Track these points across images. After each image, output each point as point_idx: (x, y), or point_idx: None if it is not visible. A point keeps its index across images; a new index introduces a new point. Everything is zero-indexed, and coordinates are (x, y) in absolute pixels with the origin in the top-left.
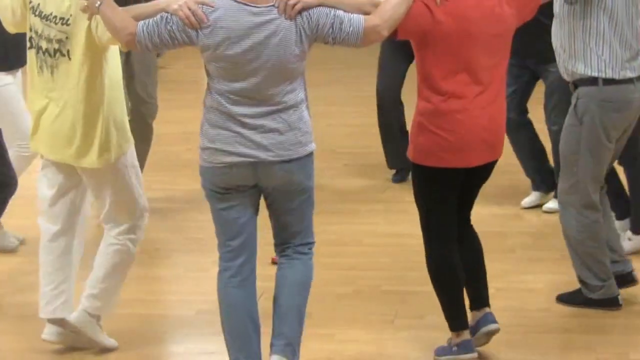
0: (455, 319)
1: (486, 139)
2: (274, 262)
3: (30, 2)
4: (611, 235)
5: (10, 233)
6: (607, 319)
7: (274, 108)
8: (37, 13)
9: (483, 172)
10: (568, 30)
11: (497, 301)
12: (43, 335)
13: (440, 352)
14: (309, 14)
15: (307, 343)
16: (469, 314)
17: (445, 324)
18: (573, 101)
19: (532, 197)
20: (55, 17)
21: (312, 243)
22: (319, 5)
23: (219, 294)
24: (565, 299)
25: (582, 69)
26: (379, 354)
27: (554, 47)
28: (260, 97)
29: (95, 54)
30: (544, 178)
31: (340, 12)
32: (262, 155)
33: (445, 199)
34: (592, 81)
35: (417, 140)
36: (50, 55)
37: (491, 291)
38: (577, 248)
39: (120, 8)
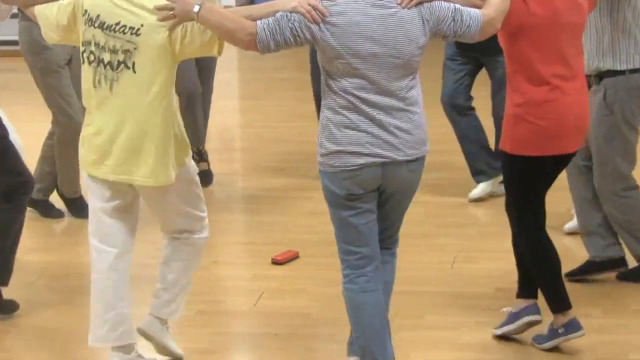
0: (558, 300)
1: (579, 126)
2: (274, 262)
3: (86, 14)
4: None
5: None
6: (607, 319)
7: (401, 105)
8: (97, 25)
9: (568, 159)
10: (595, 28)
11: (497, 301)
12: None
13: (542, 339)
14: (431, 6)
15: (306, 343)
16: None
17: (445, 324)
18: (600, 93)
19: (479, 188)
20: (124, 26)
21: (398, 237)
22: None
23: (351, 300)
24: (624, 277)
25: (611, 64)
26: None
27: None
28: (386, 93)
29: (166, 67)
30: (488, 162)
31: (459, 6)
32: (393, 154)
33: (541, 187)
34: (619, 72)
35: (513, 131)
36: (111, 68)
37: (491, 291)
38: (627, 227)
39: (226, 10)
